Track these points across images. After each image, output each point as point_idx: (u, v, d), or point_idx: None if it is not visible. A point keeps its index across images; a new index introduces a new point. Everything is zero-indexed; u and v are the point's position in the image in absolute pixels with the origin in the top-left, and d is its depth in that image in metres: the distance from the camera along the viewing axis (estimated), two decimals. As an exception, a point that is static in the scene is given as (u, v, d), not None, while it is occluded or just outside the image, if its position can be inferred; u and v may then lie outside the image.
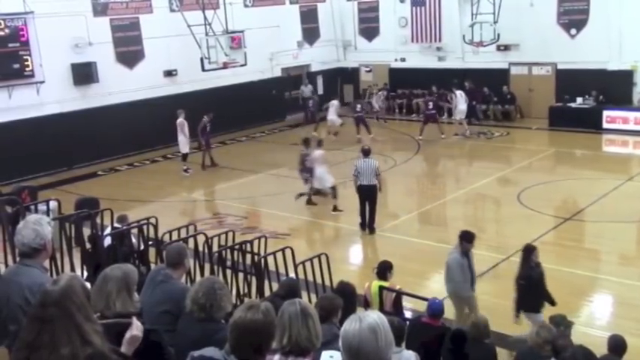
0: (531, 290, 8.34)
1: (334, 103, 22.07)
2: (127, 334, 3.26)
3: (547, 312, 8.10)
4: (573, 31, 21.92)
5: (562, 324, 6.81)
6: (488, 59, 23.30)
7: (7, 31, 17.97)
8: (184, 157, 18.76)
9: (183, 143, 18.62)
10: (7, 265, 6.21)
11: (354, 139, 20.92)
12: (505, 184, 16.75)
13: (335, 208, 14.50)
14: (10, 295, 4.14)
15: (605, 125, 20.88)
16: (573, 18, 21.87)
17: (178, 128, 18.52)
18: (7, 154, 17.38)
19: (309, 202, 15.15)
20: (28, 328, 2.73)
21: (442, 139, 21.05)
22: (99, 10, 20.22)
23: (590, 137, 20.24)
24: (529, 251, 8.55)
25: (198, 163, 19.15)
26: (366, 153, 13.25)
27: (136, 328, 3.29)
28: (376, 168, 13.08)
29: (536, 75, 23.12)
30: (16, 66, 18.22)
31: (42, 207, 8.95)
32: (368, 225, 13.29)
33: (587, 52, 21.04)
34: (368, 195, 13.10)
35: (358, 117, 21.62)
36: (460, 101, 21.42)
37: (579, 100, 21.71)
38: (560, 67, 22.28)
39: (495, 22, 22.12)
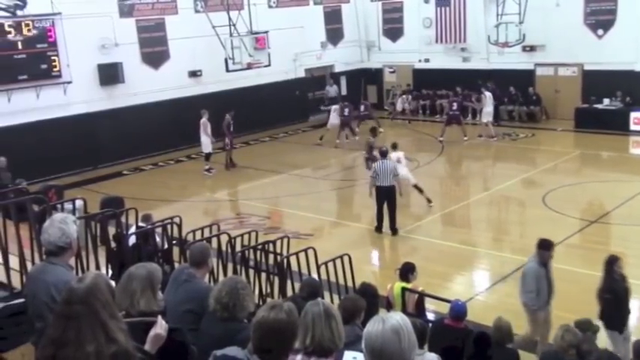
0: (617, 305, 7.77)
1: (335, 108, 21.95)
2: (151, 332, 3.29)
3: (574, 316, 7.98)
4: (600, 31, 21.64)
5: (589, 329, 6.70)
6: (513, 60, 23.13)
7: (35, 32, 18.22)
8: (207, 156, 18.86)
9: (206, 143, 18.72)
10: (33, 263, 6.29)
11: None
12: (530, 185, 16.59)
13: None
14: (37, 292, 4.20)
15: (632, 127, 20.59)
16: (600, 18, 21.58)
17: (201, 128, 18.62)
18: (35, 154, 17.62)
19: None
20: (54, 325, 2.76)
21: (464, 141, 20.85)
22: (125, 11, 20.42)
23: (616, 139, 19.96)
24: (611, 262, 7.93)
25: (222, 163, 19.26)
26: (384, 154, 13.36)
27: (160, 327, 3.32)
28: (394, 169, 13.10)
29: (562, 76, 22.86)
30: (44, 66, 18.48)
31: (68, 206, 9.04)
32: (390, 226, 13.23)
33: (615, 52, 20.77)
34: (387, 196, 13.08)
35: (345, 120, 21.51)
36: (487, 103, 21.02)
37: (606, 101, 21.44)
38: (586, 68, 22.01)
39: (521, 23, 21.95)
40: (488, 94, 21.15)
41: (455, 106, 21.33)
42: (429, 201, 14.68)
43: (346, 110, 21.66)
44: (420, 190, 14.70)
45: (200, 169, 18.98)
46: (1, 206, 7.57)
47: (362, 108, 23.29)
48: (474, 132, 21.44)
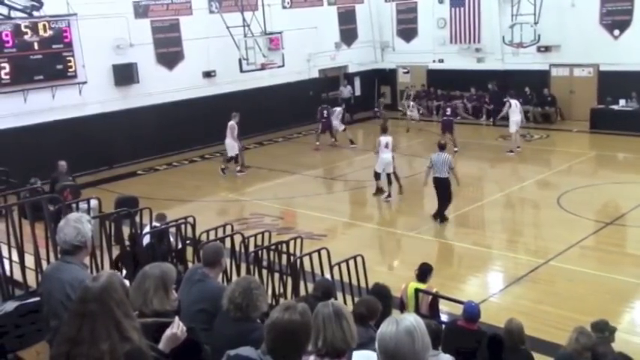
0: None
1: (337, 109, 21.96)
2: (168, 331, 3.30)
3: (589, 318, 7.93)
4: (616, 32, 21.47)
5: (606, 330, 6.64)
6: (528, 61, 23.00)
7: (51, 32, 18.34)
8: (230, 159, 18.77)
9: (231, 146, 18.64)
10: (49, 262, 6.33)
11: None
12: (544, 187, 16.49)
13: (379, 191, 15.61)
14: (52, 290, 4.23)
15: (648, 128, 20.43)
16: (616, 19, 21.41)
17: (228, 130, 18.48)
18: (50, 154, 17.70)
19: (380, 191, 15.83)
20: (68, 324, 2.78)
21: (455, 152, 19.13)
22: (140, 12, 20.52)
23: (632, 140, 19.76)
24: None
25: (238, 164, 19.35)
26: (442, 147, 13.86)
27: (177, 327, 3.32)
28: (449, 162, 13.49)
29: (578, 76, 22.70)
30: (60, 67, 18.60)
31: (83, 205, 9.11)
32: (439, 214, 13.61)
33: (631, 53, 20.57)
34: (440, 187, 13.55)
35: (325, 123, 21.44)
36: (514, 112, 19.29)
37: (622, 102, 21.26)
38: (602, 68, 21.84)
39: (536, 23, 21.82)
40: (514, 102, 19.46)
41: (449, 111, 20.20)
42: (383, 191, 15.51)
43: (325, 112, 21.54)
44: (390, 182, 15.32)
45: (213, 170, 19.00)
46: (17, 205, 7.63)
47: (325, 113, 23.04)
48: (487, 133, 21.27)
